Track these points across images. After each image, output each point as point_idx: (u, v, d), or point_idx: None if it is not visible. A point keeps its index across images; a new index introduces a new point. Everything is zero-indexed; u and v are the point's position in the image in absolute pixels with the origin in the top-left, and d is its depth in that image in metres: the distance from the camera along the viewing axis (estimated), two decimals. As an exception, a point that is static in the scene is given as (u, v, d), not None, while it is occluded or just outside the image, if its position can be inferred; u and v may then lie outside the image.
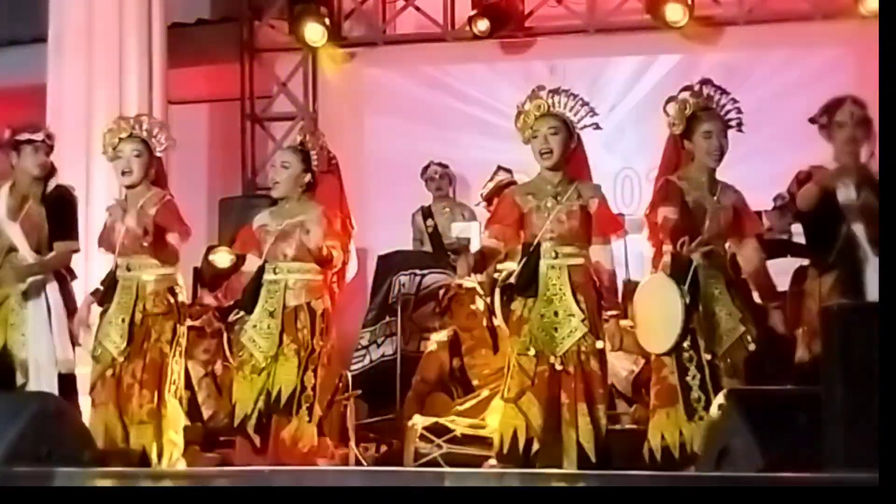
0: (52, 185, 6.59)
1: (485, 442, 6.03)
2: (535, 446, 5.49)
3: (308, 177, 6.01)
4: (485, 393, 6.78)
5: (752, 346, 5.66)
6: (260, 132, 11.08)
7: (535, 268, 5.65)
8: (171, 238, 6.08)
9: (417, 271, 8.60)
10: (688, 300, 5.58)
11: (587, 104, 5.76)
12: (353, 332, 8.93)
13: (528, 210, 5.71)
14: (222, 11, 11.26)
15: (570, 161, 5.77)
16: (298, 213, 5.96)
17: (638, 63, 10.39)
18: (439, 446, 5.95)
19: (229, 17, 11.13)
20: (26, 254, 6.45)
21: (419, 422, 6.47)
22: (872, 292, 5.72)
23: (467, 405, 6.66)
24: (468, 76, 10.67)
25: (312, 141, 6.07)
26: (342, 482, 4.73)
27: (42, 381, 6.33)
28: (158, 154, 6.29)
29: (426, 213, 9.53)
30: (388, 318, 8.50)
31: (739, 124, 5.84)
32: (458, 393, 6.90)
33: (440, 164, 9.63)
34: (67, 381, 6.35)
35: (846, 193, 5.89)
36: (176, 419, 6.13)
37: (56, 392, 6.23)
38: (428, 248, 9.35)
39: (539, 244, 5.66)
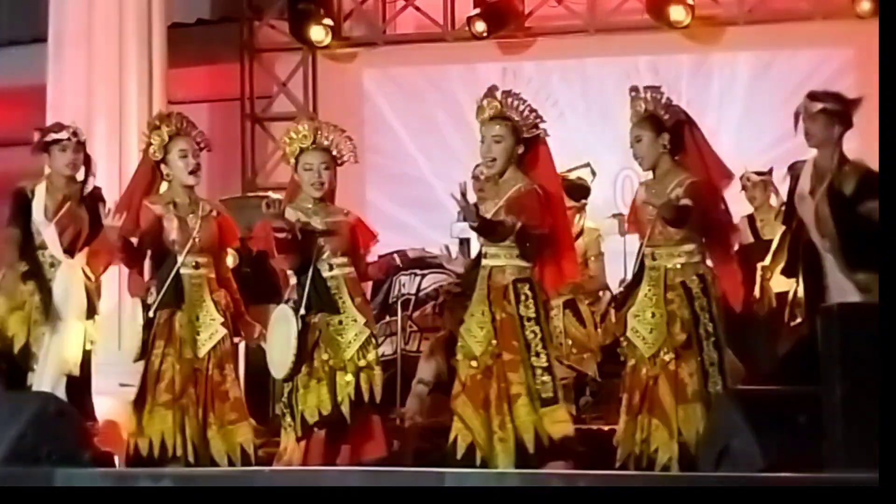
0: (90, 185, 6.63)
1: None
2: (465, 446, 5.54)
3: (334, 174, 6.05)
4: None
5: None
6: (260, 132, 11.08)
7: (478, 270, 5.70)
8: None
9: (417, 271, 8.59)
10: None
11: (535, 110, 5.80)
12: (353, 332, 8.92)
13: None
14: (222, 11, 11.26)
15: (530, 163, 5.77)
16: (334, 213, 5.96)
17: (637, 63, 10.37)
18: (439, 446, 5.94)
19: (229, 17, 11.13)
20: (58, 254, 6.46)
21: (419, 422, 6.47)
22: (834, 295, 5.73)
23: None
24: (468, 76, 10.66)
25: (328, 134, 6.06)
26: (342, 482, 4.73)
27: (50, 380, 6.33)
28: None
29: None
30: (388, 318, 8.48)
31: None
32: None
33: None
34: (78, 382, 6.34)
35: (801, 194, 5.91)
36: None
37: (62, 392, 6.23)
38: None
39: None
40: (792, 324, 5.92)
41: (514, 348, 5.51)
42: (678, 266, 5.69)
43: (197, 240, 5.99)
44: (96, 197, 6.61)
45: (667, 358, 5.57)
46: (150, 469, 5.65)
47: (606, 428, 7.08)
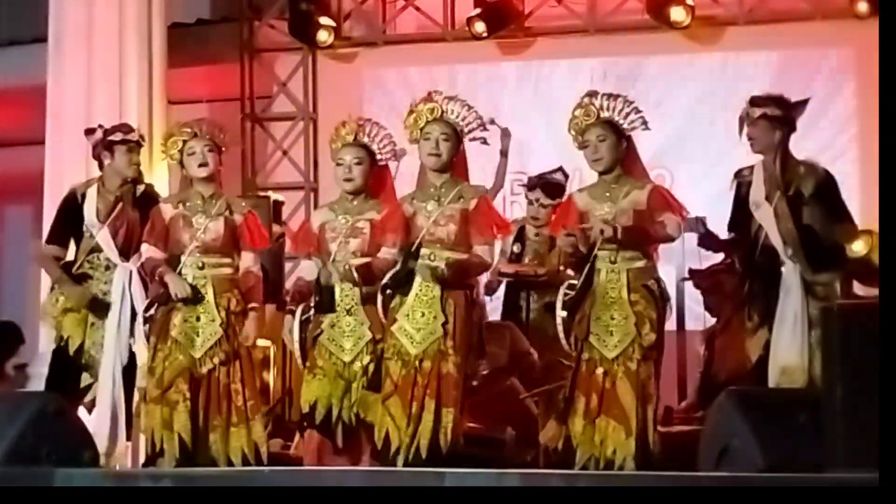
0: (141, 188, 6.62)
1: (485, 442, 6.03)
2: (402, 449, 5.54)
3: (373, 171, 6.05)
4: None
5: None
6: (260, 132, 11.08)
7: (412, 268, 5.68)
8: (247, 258, 6.09)
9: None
10: None
11: (480, 117, 5.86)
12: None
13: (412, 213, 5.79)
14: (222, 11, 11.26)
15: (455, 165, 5.83)
16: (366, 210, 5.98)
17: (637, 63, 10.37)
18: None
19: (229, 17, 11.13)
20: (113, 257, 6.44)
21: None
22: (786, 300, 5.74)
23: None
24: (468, 76, 10.67)
25: (371, 132, 6.09)
26: (342, 482, 4.73)
27: (111, 384, 6.31)
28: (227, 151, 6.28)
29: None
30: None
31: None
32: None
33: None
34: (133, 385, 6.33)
35: (755, 201, 5.93)
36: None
37: (123, 396, 6.23)
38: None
39: (420, 245, 5.71)
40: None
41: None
42: (640, 268, 5.70)
43: (203, 239, 5.98)
44: (150, 196, 6.59)
45: (635, 358, 5.57)
46: (150, 469, 5.65)
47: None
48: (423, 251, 5.69)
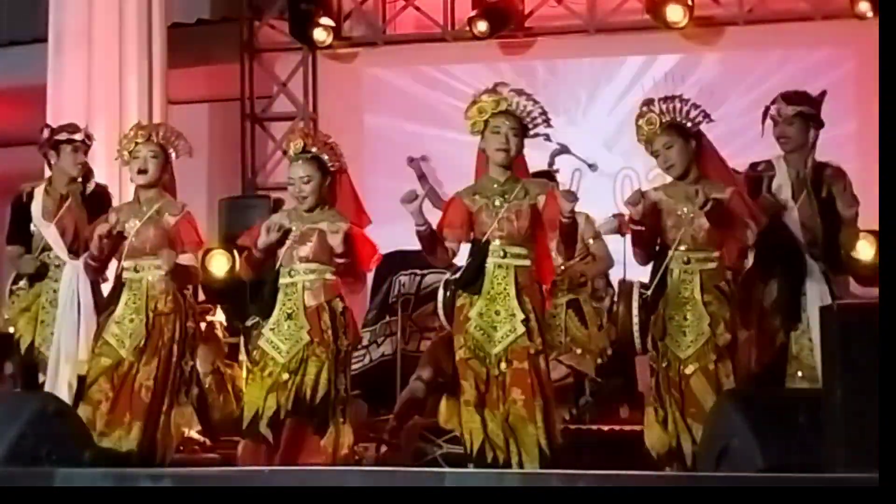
0: (91, 185, 6.64)
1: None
2: (498, 453, 5.47)
3: (326, 182, 6.02)
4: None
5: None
6: (260, 132, 11.09)
7: (482, 265, 5.63)
8: (185, 259, 6.10)
9: (417, 271, 8.60)
10: None
11: (545, 112, 5.72)
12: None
13: (477, 209, 5.70)
14: (222, 11, 11.26)
15: (519, 161, 5.77)
16: (319, 220, 5.96)
17: (638, 63, 10.39)
18: (439, 446, 5.94)
19: (229, 17, 11.13)
20: (62, 255, 6.48)
21: (419, 422, 6.47)
22: (813, 301, 5.73)
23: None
24: (468, 76, 10.66)
25: (318, 143, 6.05)
26: (342, 482, 4.73)
27: (59, 380, 6.35)
28: (175, 159, 6.28)
29: None
30: (388, 318, 8.49)
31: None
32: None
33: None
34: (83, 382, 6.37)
35: (780, 195, 5.91)
36: (189, 420, 6.15)
37: (70, 393, 6.25)
38: None
39: (488, 242, 5.64)
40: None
41: None
42: (712, 269, 5.71)
43: (133, 243, 6.02)
44: (101, 195, 6.62)
45: (711, 358, 5.59)
46: (150, 469, 5.65)
47: (606, 428, 7.10)
48: (493, 247, 5.61)
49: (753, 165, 6.08)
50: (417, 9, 10.71)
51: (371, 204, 10.51)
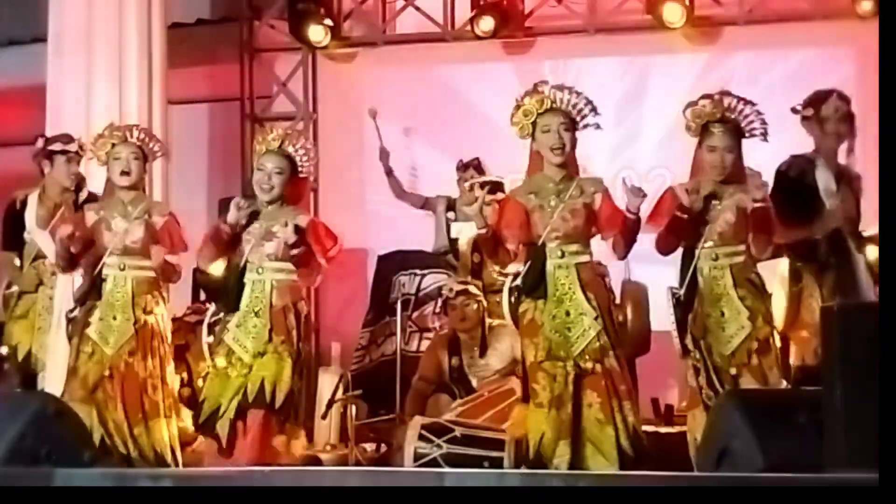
0: (84, 193, 6.66)
1: (485, 442, 6.03)
2: (564, 450, 5.45)
3: (293, 181, 6.04)
4: (484, 394, 6.79)
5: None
6: (260, 132, 11.06)
7: (542, 268, 5.61)
8: (172, 258, 6.12)
9: (417, 271, 8.60)
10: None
11: (591, 102, 5.71)
12: (353, 332, 8.93)
13: (532, 209, 5.68)
14: (222, 11, 11.26)
15: (572, 159, 5.75)
16: (282, 217, 5.97)
17: (638, 63, 10.38)
18: (439, 446, 5.95)
19: (229, 17, 11.13)
20: (54, 261, 6.49)
21: (419, 422, 6.47)
22: (867, 290, 5.75)
23: (468, 406, 6.66)
24: (468, 76, 10.67)
25: (295, 143, 6.07)
26: (342, 482, 4.73)
27: (54, 384, 6.36)
28: (150, 161, 6.30)
29: (450, 204, 9.31)
30: (388, 318, 8.49)
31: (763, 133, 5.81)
32: (460, 393, 6.91)
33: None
34: None
35: (828, 189, 5.93)
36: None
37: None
38: (444, 236, 9.18)
39: (544, 244, 5.62)
40: None
41: None
42: (741, 262, 5.75)
43: (125, 243, 6.02)
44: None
45: (754, 352, 5.63)
46: (150, 469, 5.65)
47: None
48: (550, 249, 5.62)
49: (795, 157, 6.11)
50: (417, 9, 10.70)
51: (371, 204, 10.63)
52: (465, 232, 8.42)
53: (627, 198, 5.55)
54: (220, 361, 5.86)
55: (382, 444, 7.12)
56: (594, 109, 5.71)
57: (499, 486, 4.54)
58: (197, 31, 10.82)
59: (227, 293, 5.96)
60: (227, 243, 5.95)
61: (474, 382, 6.97)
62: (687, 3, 9.82)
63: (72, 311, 6.18)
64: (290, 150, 6.02)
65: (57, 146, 6.68)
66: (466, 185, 8.28)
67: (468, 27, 10.38)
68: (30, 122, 9.13)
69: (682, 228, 5.72)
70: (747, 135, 5.84)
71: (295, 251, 5.86)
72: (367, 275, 9.68)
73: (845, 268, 5.89)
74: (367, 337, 8.61)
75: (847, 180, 6.04)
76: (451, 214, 9.18)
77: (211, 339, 6.14)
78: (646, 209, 5.81)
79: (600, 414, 5.46)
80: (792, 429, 4.70)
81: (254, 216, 5.96)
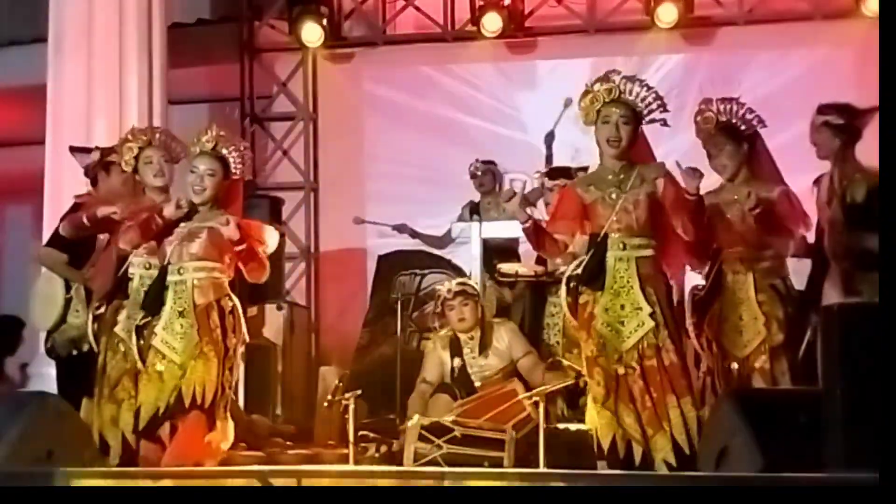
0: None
1: (485, 442, 6.03)
2: (620, 445, 5.40)
3: (225, 182, 6.04)
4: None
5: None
6: (260, 132, 11.08)
7: (602, 259, 5.55)
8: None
9: (417, 271, 8.59)
10: None
11: (660, 98, 5.61)
12: (353, 332, 8.93)
13: (592, 201, 5.63)
14: (222, 11, 11.25)
15: (633, 148, 5.65)
16: (209, 219, 5.98)
17: (637, 63, 10.37)
18: (439, 446, 5.94)
19: (229, 17, 11.13)
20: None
21: (419, 422, 6.46)
22: (827, 299, 5.79)
23: (468, 406, 6.65)
24: (468, 76, 10.67)
25: (229, 145, 6.08)
26: (342, 482, 4.73)
27: None
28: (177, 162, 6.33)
29: (473, 209, 9.30)
30: (388, 318, 8.48)
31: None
32: (461, 394, 6.90)
33: (484, 162, 9.34)
34: None
35: (820, 202, 5.98)
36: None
37: None
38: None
39: (606, 235, 5.56)
40: None
41: None
42: (766, 268, 5.82)
43: (187, 248, 6.01)
44: None
45: (766, 357, 5.69)
46: (150, 469, 5.65)
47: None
48: (612, 241, 5.54)
49: (817, 179, 6.12)
50: (417, 9, 10.70)
51: (371, 203, 10.62)
52: (474, 230, 8.45)
53: (685, 180, 5.49)
54: (154, 366, 5.86)
55: (382, 444, 7.11)
56: (663, 105, 5.60)
57: (499, 486, 4.54)
58: (197, 31, 10.81)
59: (150, 296, 5.96)
60: (153, 233, 5.93)
61: (477, 383, 6.96)
62: (683, 3, 9.83)
63: (97, 308, 6.19)
64: (224, 151, 6.02)
65: (114, 157, 6.79)
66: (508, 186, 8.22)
67: (468, 27, 10.38)
68: (30, 122, 9.14)
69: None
70: (746, 132, 5.86)
71: (239, 248, 5.88)
72: (367, 275, 9.68)
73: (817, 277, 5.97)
74: (367, 337, 8.60)
75: (850, 190, 6.05)
76: (475, 218, 9.15)
77: (142, 342, 6.16)
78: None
79: (654, 411, 5.42)
80: (792, 429, 4.70)
81: (187, 217, 5.96)
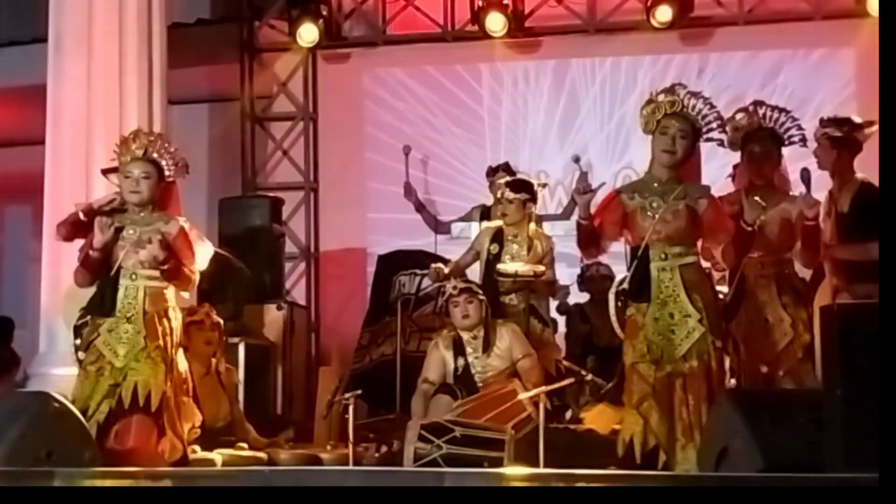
0: None
1: (485, 442, 6.03)
2: (661, 453, 5.43)
3: (161, 185, 6.05)
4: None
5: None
6: (260, 132, 11.08)
7: (646, 271, 5.58)
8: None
9: (417, 271, 8.59)
10: None
11: (721, 118, 5.69)
12: (353, 332, 8.93)
13: (633, 210, 5.66)
14: (222, 11, 11.25)
15: (685, 164, 5.71)
16: (154, 222, 5.99)
17: (638, 63, 10.38)
18: (439, 447, 5.94)
19: (229, 17, 11.13)
20: None
21: (419, 422, 6.47)
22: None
23: (469, 406, 6.65)
24: (468, 76, 10.67)
25: (160, 149, 6.08)
26: (342, 482, 4.73)
27: None
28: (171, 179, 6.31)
29: (484, 213, 9.29)
30: (387, 318, 8.48)
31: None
32: (463, 394, 6.90)
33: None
34: None
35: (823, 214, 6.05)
36: (188, 415, 6.16)
37: None
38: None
39: (647, 246, 5.59)
40: None
41: None
42: (786, 272, 5.92)
43: (139, 255, 6.01)
44: None
45: (797, 358, 5.78)
46: (149, 469, 5.65)
47: (606, 428, 7.09)
48: (653, 252, 5.58)
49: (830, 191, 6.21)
50: (417, 9, 10.71)
51: (371, 203, 10.63)
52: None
53: (746, 210, 5.57)
54: (91, 366, 5.88)
55: (382, 444, 7.11)
56: (722, 126, 5.71)
57: (499, 486, 4.54)
58: (197, 31, 10.80)
59: (100, 297, 5.98)
60: (100, 265, 5.96)
61: (479, 384, 6.95)
62: (679, 4, 9.84)
63: (79, 318, 6.23)
64: (155, 156, 6.03)
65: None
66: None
67: (468, 27, 10.39)
68: (30, 122, 9.13)
69: (748, 242, 5.77)
70: (786, 143, 5.95)
71: (165, 266, 5.91)
72: (367, 275, 9.68)
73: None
74: (367, 337, 8.59)
75: (840, 201, 6.11)
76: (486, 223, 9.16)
77: (78, 341, 6.16)
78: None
79: (693, 418, 5.42)
80: (792, 429, 4.70)
81: (122, 227, 5.97)
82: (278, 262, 9.82)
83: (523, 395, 6.41)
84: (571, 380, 6.90)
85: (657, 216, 5.57)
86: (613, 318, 5.79)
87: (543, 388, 6.19)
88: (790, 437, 4.68)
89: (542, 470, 5.55)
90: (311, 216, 10.90)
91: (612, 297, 5.82)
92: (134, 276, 5.96)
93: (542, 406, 5.90)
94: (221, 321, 7.23)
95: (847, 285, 5.82)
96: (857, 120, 6.10)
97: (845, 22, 9.73)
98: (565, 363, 7.37)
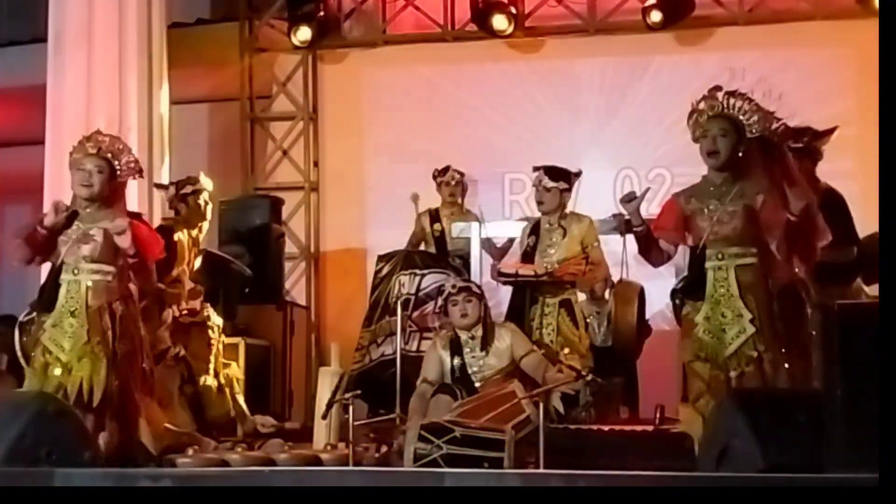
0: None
1: (485, 442, 6.03)
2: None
3: (112, 181, 6.06)
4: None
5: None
6: (260, 132, 11.08)
7: (702, 270, 5.61)
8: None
9: (417, 271, 8.58)
10: None
11: (761, 110, 5.67)
12: (353, 332, 8.92)
13: (691, 213, 5.69)
14: (222, 11, 11.26)
15: (737, 162, 5.68)
16: (101, 219, 6.00)
17: (637, 63, 10.38)
18: (439, 447, 5.94)
19: (229, 17, 11.13)
20: None
21: (419, 422, 6.47)
22: None
23: (468, 407, 6.65)
24: (468, 76, 10.67)
25: (113, 148, 6.10)
26: (342, 482, 4.73)
27: None
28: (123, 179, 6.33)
29: (434, 216, 9.40)
30: (388, 318, 8.48)
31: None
32: (461, 394, 6.89)
33: (458, 171, 9.44)
34: None
35: None
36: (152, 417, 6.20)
37: None
38: (432, 249, 9.30)
39: (704, 247, 5.62)
40: None
41: None
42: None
43: (82, 249, 6.02)
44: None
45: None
46: (150, 469, 5.65)
47: (606, 428, 7.09)
48: (709, 252, 5.60)
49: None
50: (417, 9, 10.71)
51: (371, 203, 10.62)
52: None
53: (791, 200, 5.53)
54: (38, 361, 5.91)
55: (382, 444, 7.11)
56: (765, 118, 5.68)
57: (499, 486, 4.54)
58: (197, 31, 10.81)
59: (43, 293, 6.01)
60: (43, 245, 5.99)
61: (477, 384, 6.95)
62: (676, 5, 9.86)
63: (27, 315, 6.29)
64: (109, 155, 6.07)
65: (188, 189, 7.38)
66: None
67: (468, 27, 10.39)
68: (30, 122, 9.14)
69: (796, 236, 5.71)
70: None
71: (132, 259, 5.96)
72: (367, 275, 9.68)
73: None
74: (367, 337, 8.59)
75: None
76: (437, 226, 9.26)
77: (25, 338, 6.17)
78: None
79: None
80: (792, 429, 4.70)
81: (72, 219, 5.98)
82: (278, 262, 9.82)
83: (523, 396, 6.40)
84: (571, 380, 6.91)
85: (715, 217, 5.60)
86: (674, 316, 5.83)
87: (543, 389, 6.19)
88: (790, 437, 4.68)
89: (542, 470, 5.55)
90: (311, 216, 10.90)
91: (670, 296, 5.86)
92: (76, 271, 5.99)
93: (541, 406, 5.90)
94: (221, 322, 7.23)
95: (820, 288, 5.83)
96: (817, 129, 6.15)
97: (845, 22, 9.73)
98: (565, 363, 7.36)
